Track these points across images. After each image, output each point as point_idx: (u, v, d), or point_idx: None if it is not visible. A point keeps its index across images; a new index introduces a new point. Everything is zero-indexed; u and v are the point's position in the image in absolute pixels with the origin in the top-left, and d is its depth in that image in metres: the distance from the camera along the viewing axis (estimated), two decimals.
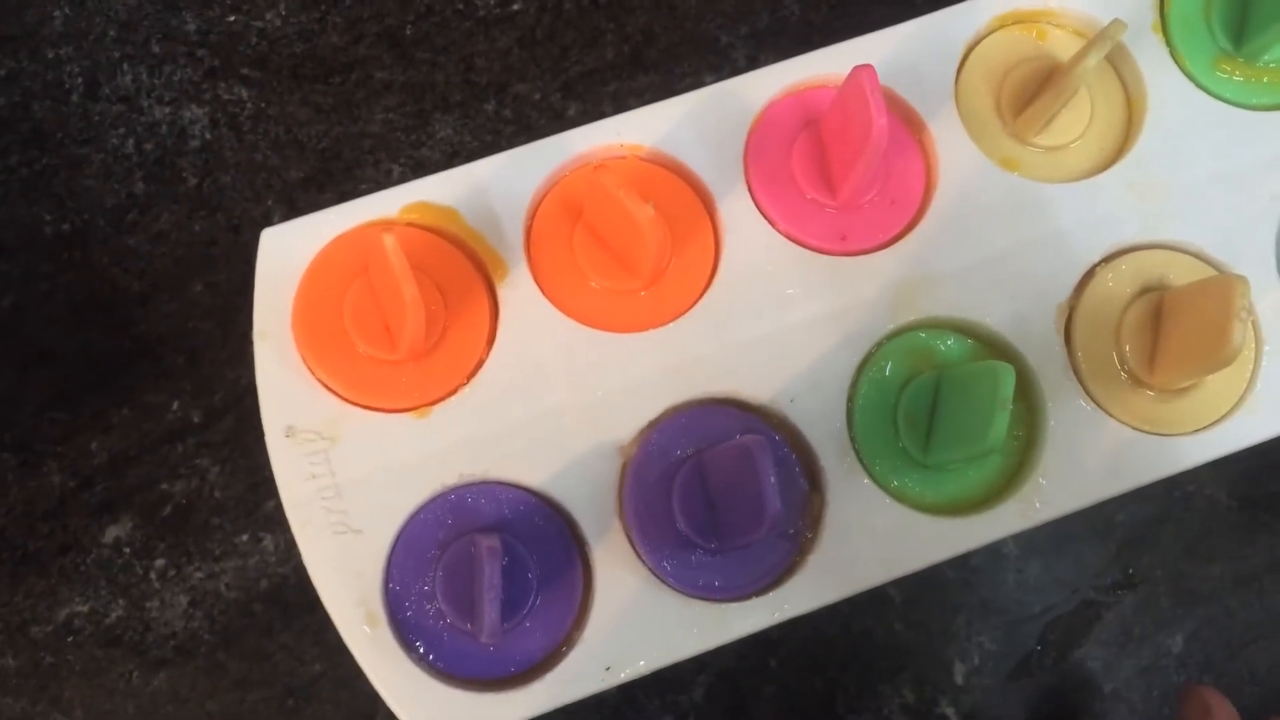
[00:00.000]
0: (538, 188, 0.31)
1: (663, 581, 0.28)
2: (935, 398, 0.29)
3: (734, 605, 0.28)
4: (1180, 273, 0.30)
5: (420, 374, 0.29)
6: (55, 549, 0.36)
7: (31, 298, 0.37)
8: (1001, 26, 0.32)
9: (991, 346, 0.30)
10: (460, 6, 0.40)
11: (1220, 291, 0.27)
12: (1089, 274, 0.30)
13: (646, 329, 0.30)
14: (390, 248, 0.27)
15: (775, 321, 0.30)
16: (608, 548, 0.29)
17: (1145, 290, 0.30)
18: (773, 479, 0.26)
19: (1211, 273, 0.30)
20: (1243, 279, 0.27)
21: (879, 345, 0.30)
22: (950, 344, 0.30)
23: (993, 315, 0.30)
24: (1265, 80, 0.32)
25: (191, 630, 0.35)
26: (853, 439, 0.29)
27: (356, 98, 0.39)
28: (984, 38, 0.32)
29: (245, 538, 0.36)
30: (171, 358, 0.37)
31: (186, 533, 0.36)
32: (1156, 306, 0.29)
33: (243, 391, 0.37)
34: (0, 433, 0.36)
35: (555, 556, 0.28)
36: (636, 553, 0.29)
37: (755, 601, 0.28)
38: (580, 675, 0.28)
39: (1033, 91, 0.31)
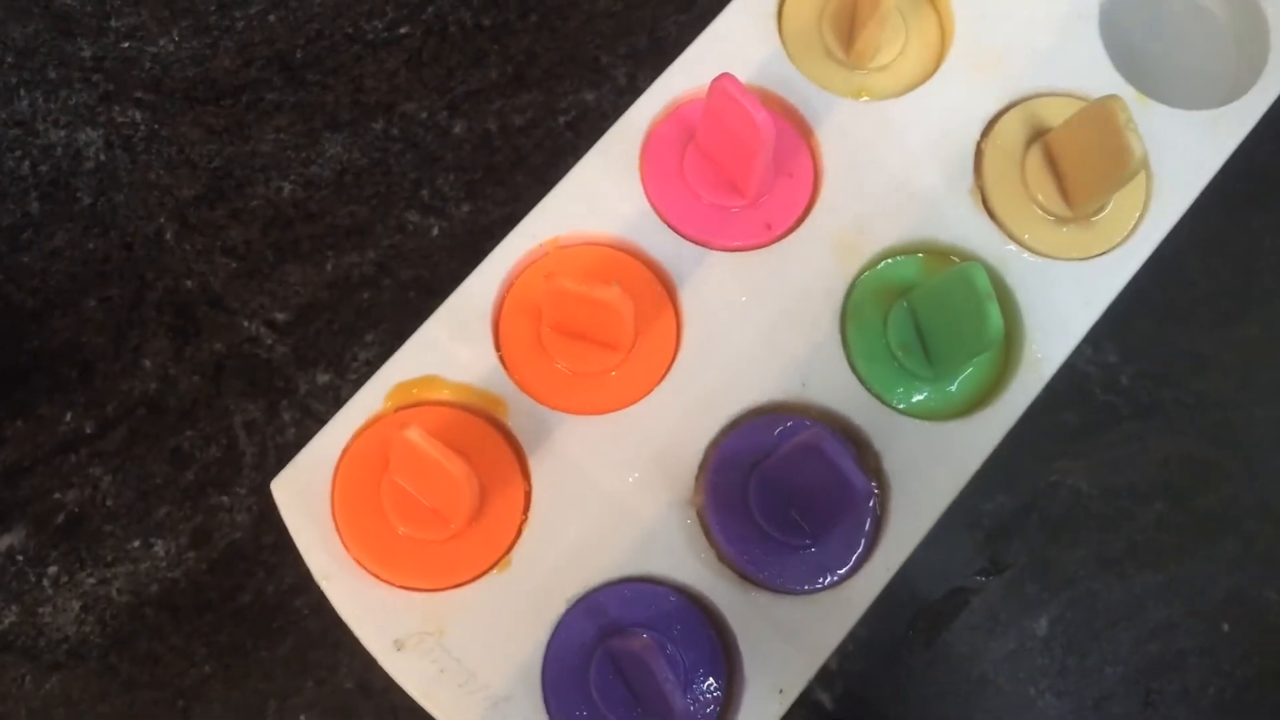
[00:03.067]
0: (491, 315, 0.32)
1: (784, 592, 0.29)
2: (916, 319, 0.31)
3: (852, 581, 0.30)
4: (1051, 115, 0.33)
5: (482, 534, 0.30)
6: None
7: None
8: None
9: (937, 253, 0.32)
10: (349, 30, 0.41)
11: (1102, 115, 0.30)
12: (978, 153, 0.33)
13: (650, 390, 0.31)
14: (419, 440, 0.28)
15: (753, 327, 0.31)
16: (724, 590, 0.30)
17: (1031, 141, 0.33)
18: (850, 461, 0.27)
19: (1076, 104, 0.33)
20: (1115, 97, 0.30)
21: (848, 299, 0.32)
22: (904, 267, 0.32)
23: (921, 225, 0.32)
24: None
25: (84, 635, 0.36)
26: (868, 388, 0.31)
27: (248, 119, 0.40)
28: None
29: (136, 544, 0.37)
30: (65, 371, 0.38)
31: (79, 540, 0.37)
32: (1047, 151, 0.32)
33: (135, 403, 0.38)
34: None
35: (684, 623, 0.29)
36: (749, 580, 0.30)
37: (866, 569, 0.30)
38: (762, 711, 0.29)
39: (850, 23, 0.33)
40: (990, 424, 0.31)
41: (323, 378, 0.39)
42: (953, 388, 0.31)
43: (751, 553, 0.29)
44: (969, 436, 0.31)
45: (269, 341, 0.39)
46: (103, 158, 0.40)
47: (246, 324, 0.39)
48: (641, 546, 0.30)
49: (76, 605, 0.36)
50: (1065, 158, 0.31)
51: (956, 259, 0.32)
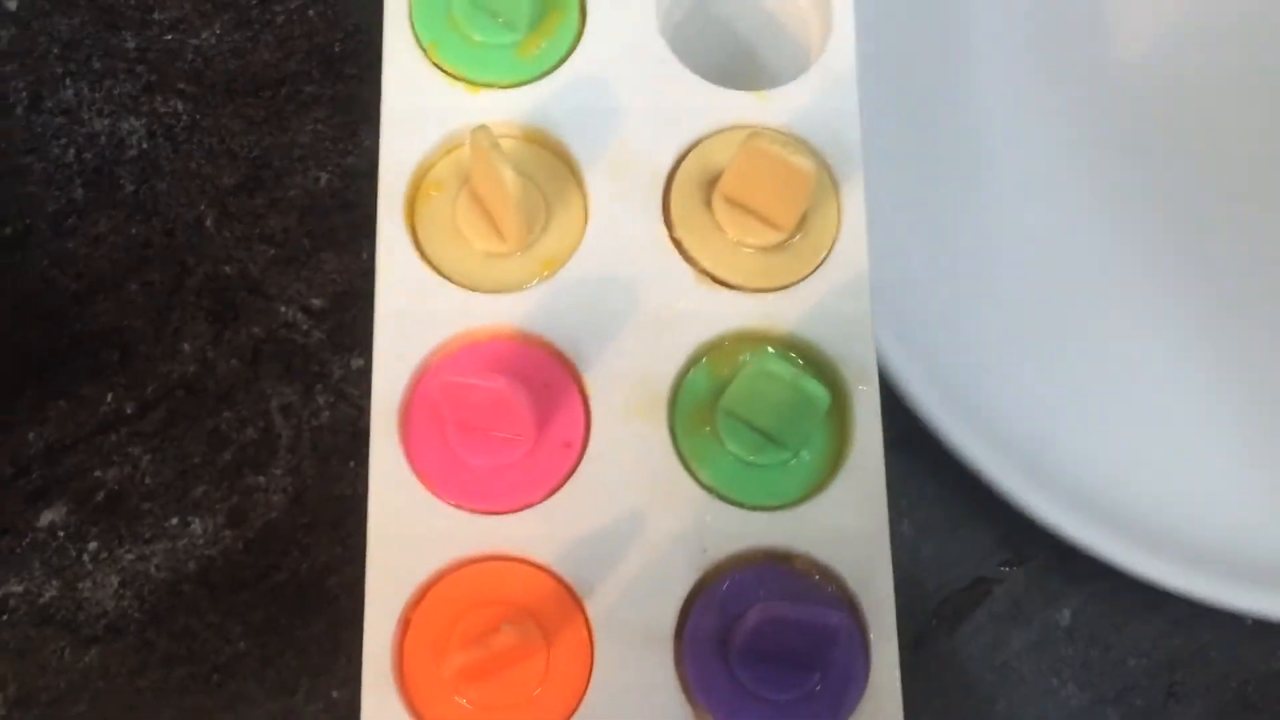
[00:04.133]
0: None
1: None
2: (743, 418, 0.28)
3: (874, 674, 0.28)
4: (706, 165, 0.30)
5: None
6: None
7: None
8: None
9: (709, 349, 0.29)
10: None
11: (756, 155, 0.27)
12: (676, 244, 0.30)
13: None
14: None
15: (628, 541, 0.28)
16: None
17: (707, 203, 0.30)
18: (807, 604, 0.26)
19: (716, 140, 0.30)
20: (756, 134, 0.27)
21: (679, 449, 0.28)
22: (697, 383, 0.29)
23: (676, 339, 0.29)
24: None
25: (122, 609, 0.37)
26: (756, 508, 0.28)
27: (286, 110, 0.41)
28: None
29: (174, 521, 0.38)
30: (106, 353, 0.39)
31: (118, 517, 0.38)
32: (729, 201, 0.29)
33: (174, 385, 0.39)
34: None
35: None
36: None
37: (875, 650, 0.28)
38: None
39: (488, 218, 0.30)
40: (866, 454, 0.28)
41: (356, 363, 0.39)
42: (811, 449, 0.29)
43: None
44: (859, 477, 0.28)
45: (305, 327, 0.40)
46: (145, 146, 0.41)
47: (283, 310, 0.40)
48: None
49: (115, 580, 0.37)
50: (749, 198, 0.29)
51: (728, 342, 0.29)
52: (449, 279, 0.29)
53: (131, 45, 0.41)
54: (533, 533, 0.27)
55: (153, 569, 0.37)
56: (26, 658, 0.37)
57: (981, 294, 0.41)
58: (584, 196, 0.30)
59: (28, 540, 0.37)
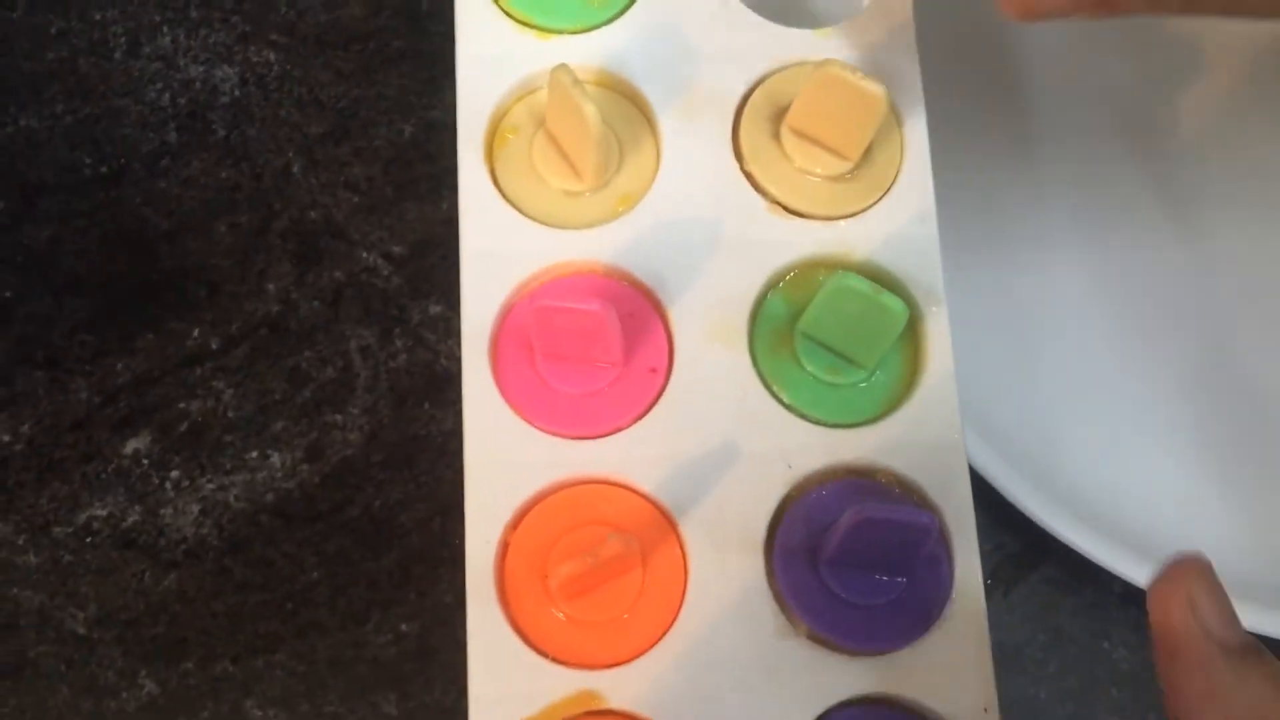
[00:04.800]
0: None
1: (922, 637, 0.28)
2: (820, 340, 0.29)
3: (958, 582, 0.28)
4: (773, 101, 0.31)
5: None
6: (79, 458, 0.39)
7: (68, 232, 0.40)
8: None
9: (784, 274, 0.30)
10: None
11: (827, 81, 0.28)
12: (748, 177, 0.31)
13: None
14: None
15: (710, 462, 0.29)
16: (877, 676, 0.28)
17: (775, 134, 0.31)
18: (896, 505, 0.27)
19: (784, 76, 0.31)
20: (829, 62, 0.28)
21: (759, 371, 0.29)
22: (774, 308, 0.30)
23: (751, 267, 0.30)
24: None
25: (201, 537, 0.38)
26: (834, 426, 0.29)
27: (374, 64, 0.42)
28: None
29: (254, 455, 0.39)
30: (194, 290, 0.40)
31: (200, 448, 0.39)
32: (797, 132, 0.30)
33: (258, 323, 0.40)
34: (34, 351, 0.39)
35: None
36: (892, 651, 0.28)
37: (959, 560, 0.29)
38: None
39: (565, 155, 0.31)
40: (939, 373, 0.30)
41: (434, 309, 0.40)
42: (885, 370, 0.30)
43: (877, 628, 0.28)
44: (932, 388, 0.29)
45: (385, 273, 0.41)
46: (238, 94, 0.42)
47: (365, 255, 0.41)
48: (766, 688, 0.28)
49: (196, 509, 0.38)
50: (817, 128, 0.30)
51: (801, 268, 0.30)
52: (529, 217, 0.30)
53: None
54: (623, 456, 0.28)
55: (232, 499, 0.39)
56: (108, 579, 0.38)
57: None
58: (656, 135, 0.31)
59: (113, 466, 0.39)
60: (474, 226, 0.30)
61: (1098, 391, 0.41)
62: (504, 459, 0.28)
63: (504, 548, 0.28)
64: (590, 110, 0.27)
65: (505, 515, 0.28)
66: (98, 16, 0.42)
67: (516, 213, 0.30)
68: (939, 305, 0.30)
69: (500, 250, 0.30)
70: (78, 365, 0.39)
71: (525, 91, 0.31)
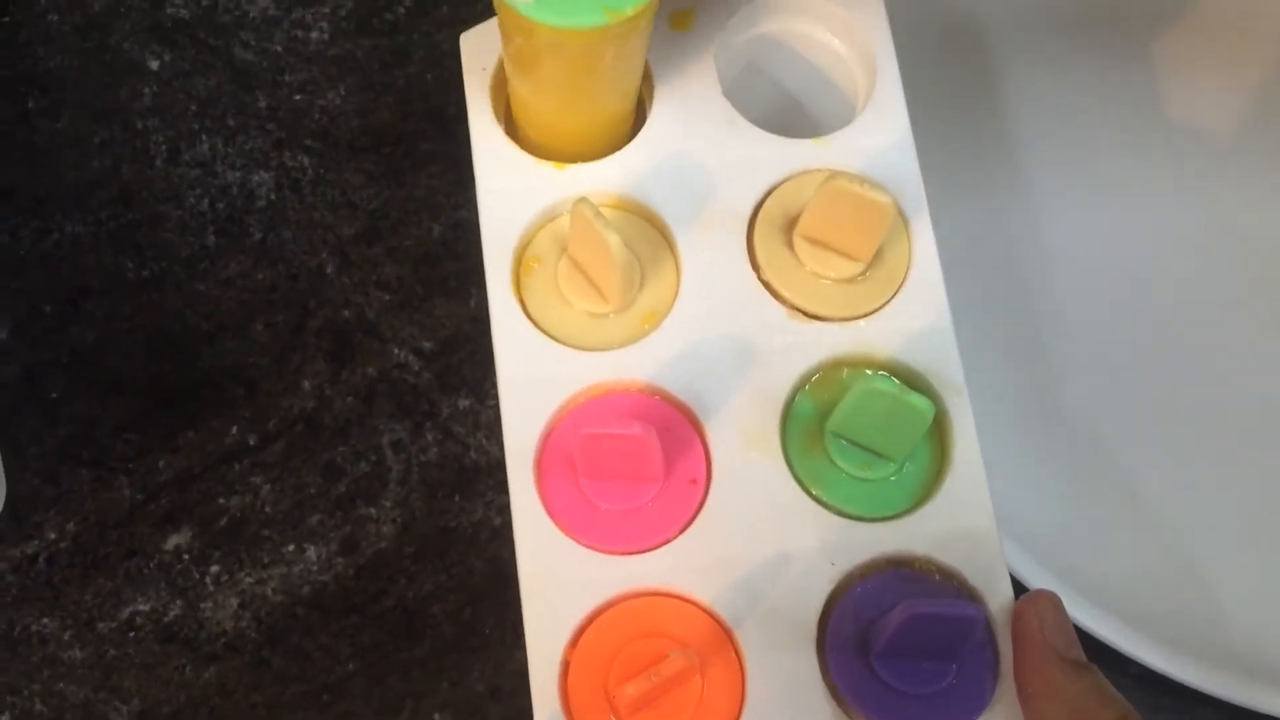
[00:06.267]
0: None
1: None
2: (850, 438, 0.31)
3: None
4: (782, 211, 0.33)
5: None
6: (122, 554, 0.40)
7: (113, 335, 0.42)
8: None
9: (812, 376, 0.32)
10: None
11: (837, 194, 0.30)
12: (766, 286, 0.32)
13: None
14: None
15: (759, 558, 0.30)
16: None
17: (788, 244, 0.32)
18: (946, 601, 0.28)
19: (794, 184, 0.33)
20: (831, 177, 0.30)
21: (794, 471, 0.31)
22: (803, 408, 0.31)
23: (779, 373, 0.31)
24: None
25: (240, 630, 0.39)
26: (872, 520, 0.30)
27: (404, 166, 0.44)
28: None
29: (291, 548, 0.40)
30: (233, 388, 0.42)
31: (239, 542, 0.40)
32: (808, 239, 0.32)
33: (294, 419, 0.41)
34: (79, 451, 0.41)
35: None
36: None
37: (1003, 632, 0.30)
38: None
39: (592, 280, 0.32)
40: (967, 460, 0.31)
41: (464, 403, 0.42)
42: (915, 462, 0.31)
43: (931, 715, 0.29)
44: (961, 477, 0.31)
45: (416, 368, 0.42)
46: (273, 197, 0.44)
47: (397, 351, 0.42)
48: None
49: (235, 602, 0.40)
50: (828, 235, 0.31)
51: (825, 369, 0.32)
52: (560, 341, 0.32)
53: (263, 104, 0.45)
54: (672, 567, 0.30)
55: (269, 592, 0.40)
56: (151, 673, 0.39)
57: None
58: (674, 252, 0.32)
59: (155, 562, 0.40)
60: (508, 355, 0.31)
61: (1106, 479, 0.42)
62: (557, 579, 0.30)
63: (565, 666, 0.29)
64: (613, 239, 0.29)
65: (564, 634, 0.29)
66: (140, 125, 0.44)
67: (547, 339, 0.31)
68: (960, 395, 0.31)
69: (536, 376, 0.31)
70: (121, 463, 0.41)
71: (546, 220, 0.33)
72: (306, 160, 0.44)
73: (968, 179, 0.44)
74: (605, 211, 0.31)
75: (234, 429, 0.41)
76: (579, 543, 0.30)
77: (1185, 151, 0.45)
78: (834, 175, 0.30)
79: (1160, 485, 0.41)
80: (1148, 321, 0.44)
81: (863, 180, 0.30)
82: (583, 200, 0.29)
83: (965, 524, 0.30)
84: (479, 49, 0.34)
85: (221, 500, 0.41)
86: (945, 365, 0.31)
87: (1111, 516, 0.41)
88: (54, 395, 0.41)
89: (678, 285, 0.32)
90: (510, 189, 0.32)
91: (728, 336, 0.31)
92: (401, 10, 0.46)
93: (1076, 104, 0.45)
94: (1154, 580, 0.40)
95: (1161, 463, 0.42)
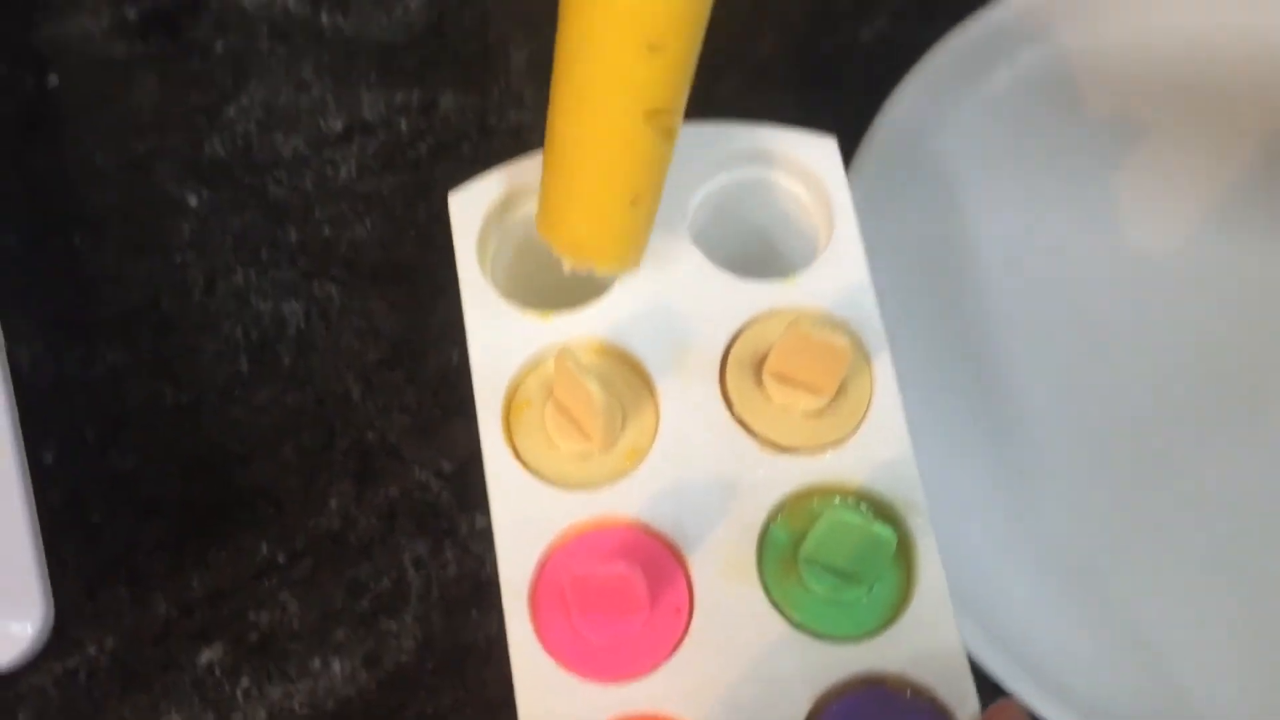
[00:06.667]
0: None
1: None
2: (823, 565, 0.32)
3: None
4: (753, 350, 0.35)
5: None
6: (158, 669, 0.42)
7: (151, 458, 0.45)
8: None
9: (782, 509, 0.34)
10: None
11: (801, 338, 0.32)
12: (740, 423, 0.34)
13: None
14: None
15: (742, 683, 0.32)
16: None
17: (758, 383, 0.35)
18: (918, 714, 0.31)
19: (763, 323, 0.36)
20: (795, 323, 0.32)
21: (771, 599, 0.33)
22: (777, 537, 0.33)
23: (751, 505, 0.34)
24: None
25: None
26: (844, 641, 0.32)
27: (424, 295, 0.47)
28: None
29: (317, 662, 0.42)
30: (263, 508, 0.44)
31: (268, 657, 0.42)
32: (776, 377, 0.34)
33: (320, 538, 0.44)
34: (118, 570, 0.43)
35: None
36: None
37: None
38: None
39: (574, 420, 0.34)
40: (931, 579, 0.33)
41: (480, 521, 0.44)
42: (884, 583, 0.33)
43: None
44: (926, 596, 0.33)
45: (436, 488, 0.44)
46: (303, 326, 0.46)
47: (418, 472, 0.45)
48: None
49: (264, 715, 0.42)
50: (795, 372, 0.33)
51: (797, 498, 0.34)
52: (549, 481, 0.34)
53: (294, 238, 0.48)
54: (660, 692, 0.32)
55: (296, 706, 0.42)
56: None
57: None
58: (653, 393, 0.35)
59: (189, 677, 0.42)
60: (501, 497, 0.34)
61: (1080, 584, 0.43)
62: (553, 709, 0.32)
63: None
64: (594, 387, 0.31)
65: None
66: (179, 259, 0.47)
67: (537, 479, 0.34)
68: (923, 518, 0.33)
69: (527, 515, 0.34)
70: (157, 581, 0.43)
71: (533, 366, 0.35)
72: (334, 290, 0.47)
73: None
74: (587, 357, 0.34)
75: (264, 547, 0.44)
76: (572, 673, 0.32)
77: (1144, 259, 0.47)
78: (796, 319, 0.33)
79: (1139, 592, 0.43)
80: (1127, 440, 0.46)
81: (823, 322, 0.33)
82: (565, 351, 0.32)
83: (933, 641, 0.32)
84: (467, 207, 0.37)
85: (251, 616, 0.43)
86: (907, 490, 0.33)
87: (1087, 620, 0.43)
88: (95, 518, 0.44)
89: (657, 424, 0.34)
90: (499, 340, 0.35)
91: (705, 471, 0.34)
92: (424, 148, 0.49)
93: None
94: (1124, 684, 0.41)
95: (1139, 569, 0.43)
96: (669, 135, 0.33)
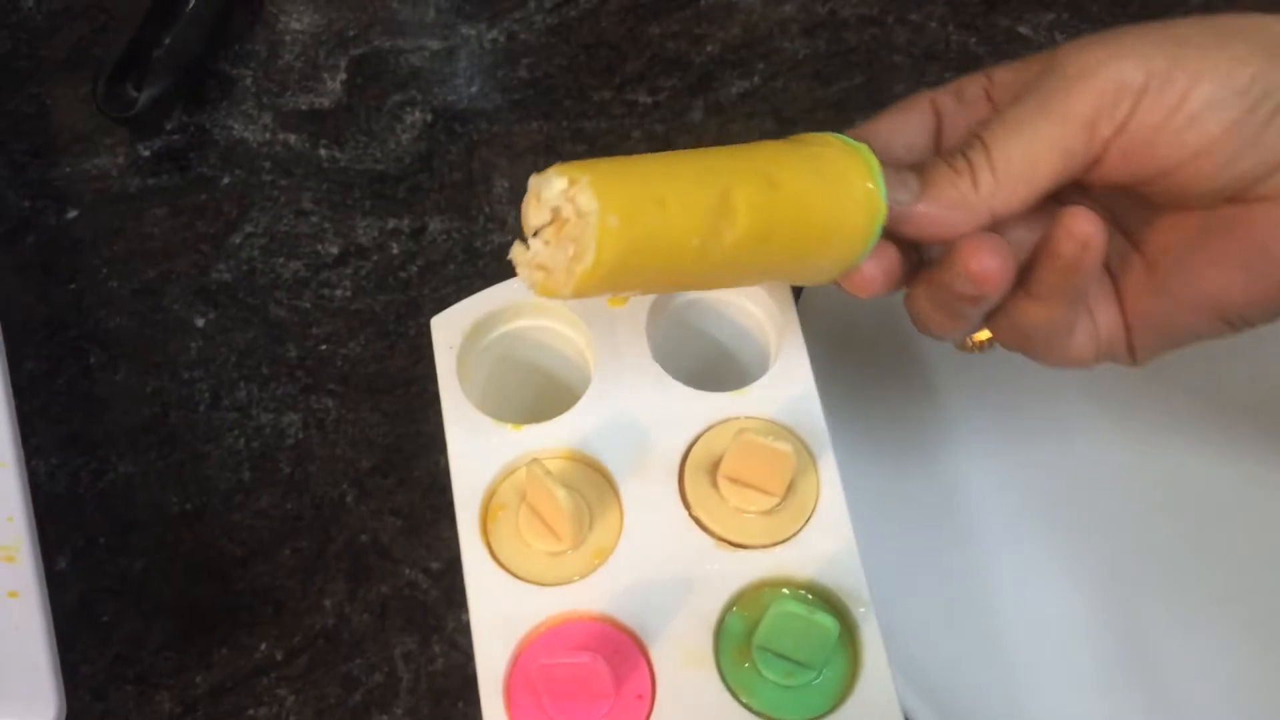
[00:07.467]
0: None
1: None
2: (774, 651, 0.35)
3: None
4: (708, 457, 0.38)
5: None
6: None
7: (158, 562, 0.48)
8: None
9: (736, 601, 0.37)
10: None
11: (750, 445, 0.36)
12: (697, 522, 0.38)
13: None
14: None
15: None
16: None
17: (713, 484, 0.38)
18: None
19: (714, 433, 0.39)
20: (743, 430, 0.36)
21: (728, 686, 0.35)
22: (733, 627, 0.36)
23: (708, 598, 0.37)
24: None
25: None
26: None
27: (415, 405, 0.50)
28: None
29: None
30: (262, 608, 0.47)
31: None
32: (730, 479, 0.37)
33: (316, 635, 0.46)
34: (126, 669, 0.46)
35: None
36: None
37: None
38: None
39: (543, 521, 0.38)
40: (875, 663, 0.35)
41: (466, 616, 0.46)
42: (832, 667, 0.36)
43: None
44: (871, 680, 0.35)
45: (425, 586, 0.47)
46: (301, 436, 0.50)
47: (408, 571, 0.48)
48: None
49: None
50: (746, 476, 0.37)
51: (750, 591, 0.37)
52: (522, 579, 0.37)
53: (293, 354, 0.51)
54: None
55: None
56: None
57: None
58: (618, 496, 0.38)
59: None
60: (478, 595, 0.37)
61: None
62: None
63: None
64: (561, 494, 0.35)
65: None
66: (186, 376, 0.51)
67: (511, 577, 0.37)
68: (866, 607, 0.36)
69: (503, 611, 0.37)
70: (163, 679, 0.46)
71: (507, 473, 0.39)
72: (330, 402, 0.51)
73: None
74: (556, 463, 0.38)
75: (263, 645, 0.46)
76: None
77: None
78: (745, 428, 0.36)
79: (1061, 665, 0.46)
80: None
81: (768, 430, 0.36)
82: (535, 461, 0.36)
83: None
84: (448, 330, 0.41)
85: (251, 712, 0.45)
86: (851, 581, 0.37)
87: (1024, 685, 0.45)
88: (105, 619, 0.47)
89: (622, 525, 0.37)
90: (476, 450, 0.39)
91: (666, 567, 0.37)
92: (415, 269, 0.53)
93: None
94: None
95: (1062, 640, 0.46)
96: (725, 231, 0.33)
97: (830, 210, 0.34)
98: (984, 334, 0.39)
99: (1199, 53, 0.34)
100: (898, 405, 0.49)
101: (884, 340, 0.50)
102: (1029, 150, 0.34)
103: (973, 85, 0.38)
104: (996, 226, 0.35)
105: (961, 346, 0.40)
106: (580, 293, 0.32)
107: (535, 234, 0.33)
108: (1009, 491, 0.48)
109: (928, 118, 0.38)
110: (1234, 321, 0.36)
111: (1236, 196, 0.34)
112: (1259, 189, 0.34)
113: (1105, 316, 0.37)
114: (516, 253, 0.33)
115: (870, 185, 0.34)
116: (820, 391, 0.39)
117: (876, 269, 0.36)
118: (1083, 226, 0.33)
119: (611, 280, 0.33)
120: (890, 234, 0.35)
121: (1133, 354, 0.38)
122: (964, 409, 0.49)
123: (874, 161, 0.34)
